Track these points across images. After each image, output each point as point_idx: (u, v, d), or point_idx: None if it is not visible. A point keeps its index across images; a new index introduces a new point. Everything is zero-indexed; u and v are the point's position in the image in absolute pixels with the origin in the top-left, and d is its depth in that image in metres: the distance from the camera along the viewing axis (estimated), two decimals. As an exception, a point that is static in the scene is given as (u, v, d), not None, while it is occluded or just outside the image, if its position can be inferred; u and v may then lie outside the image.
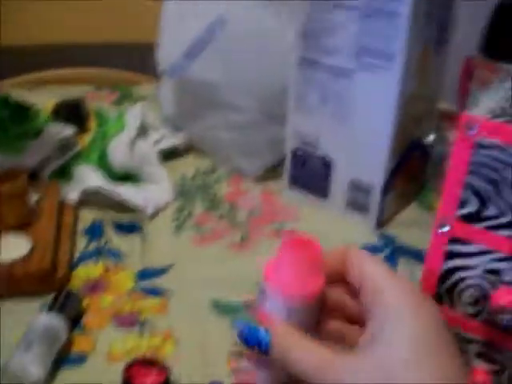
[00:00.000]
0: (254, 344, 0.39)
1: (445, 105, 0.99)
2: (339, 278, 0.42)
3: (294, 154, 0.84)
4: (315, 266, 0.41)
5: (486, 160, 0.47)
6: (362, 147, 0.76)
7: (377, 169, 0.77)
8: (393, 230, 0.80)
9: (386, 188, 0.78)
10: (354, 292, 0.41)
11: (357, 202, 0.80)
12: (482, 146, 0.47)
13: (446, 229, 0.50)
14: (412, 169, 0.84)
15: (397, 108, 0.73)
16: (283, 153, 0.85)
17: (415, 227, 0.80)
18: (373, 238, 0.78)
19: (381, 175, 0.77)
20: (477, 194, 0.49)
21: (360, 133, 0.76)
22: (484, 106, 0.49)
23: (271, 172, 0.90)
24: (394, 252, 0.76)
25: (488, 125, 0.46)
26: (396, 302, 0.37)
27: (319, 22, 0.74)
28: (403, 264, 0.74)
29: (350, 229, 0.79)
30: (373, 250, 0.76)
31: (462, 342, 0.52)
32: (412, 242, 0.77)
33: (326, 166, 0.81)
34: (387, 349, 0.35)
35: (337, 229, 0.79)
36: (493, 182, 0.48)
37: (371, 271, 0.40)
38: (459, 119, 0.47)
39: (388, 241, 0.78)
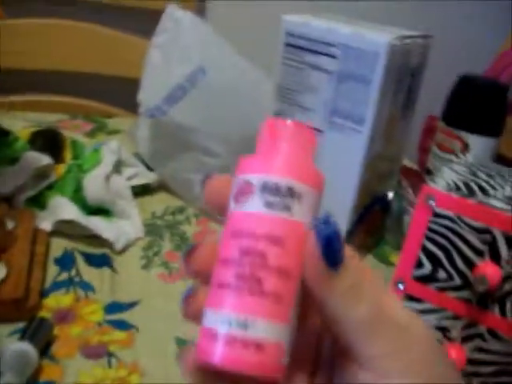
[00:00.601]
0: (334, 250, 0.30)
1: (405, 161, 1.05)
2: None
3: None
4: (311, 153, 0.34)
5: (439, 228, 0.53)
6: (327, 199, 0.81)
7: (339, 221, 0.81)
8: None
9: (346, 239, 0.83)
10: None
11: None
12: (437, 215, 0.52)
13: (403, 286, 0.55)
14: (372, 222, 0.89)
15: (363, 166, 0.78)
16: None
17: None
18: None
19: (343, 227, 0.82)
20: (430, 257, 0.54)
21: (326, 187, 0.80)
22: (445, 178, 0.55)
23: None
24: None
25: (444, 197, 0.52)
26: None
27: (296, 79, 0.80)
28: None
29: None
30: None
31: None
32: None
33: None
34: None
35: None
36: (444, 249, 0.53)
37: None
38: (421, 189, 0.52)
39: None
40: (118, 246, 0.83)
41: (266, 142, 0.33)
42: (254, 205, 0.31)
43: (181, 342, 0.69)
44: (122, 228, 0.87)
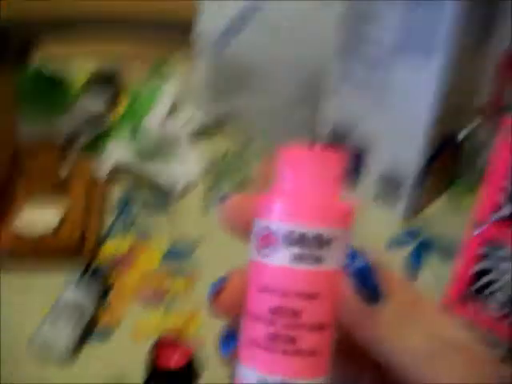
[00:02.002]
0: (370, 282, 0.28)
1: (481, 97, 0.98)
2: None
3: (327, 140, 0.83)
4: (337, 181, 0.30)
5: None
6: (398, 137, 0.76)
7: (411, 161, 0.76)
8: (421, 224, 0.80)
9: (418, 181, 0.77)
10: None
11: (386, 193, 0.80)
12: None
13: (481, 231, 0.50)
14: (445, 163, 0.83)
15: (436, 100, 0.72)
16: (315, 138, 0.85)
17: (443, 223, 0.80)
18: (399, 231, 0.78)
19: (414, 167, 0.76)
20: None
21: (397, 123, 0.75)
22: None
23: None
24: (420, 247, 0.75)
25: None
26: None
27: (362, 8, 0.74)
28: (428, 260, 0.74)
29: (377, 220, 0.79)
30: (399, 243, 0.76)
31: (488, 346, 0.52)
32: (439, 237, 0.77)
33: (359, 154, 0.80)
34: None
35: (363, 219, 0.78)
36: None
37: None
38: (503, 122, 0.46)
39: (415, 235, 0.77)
40: (176, 190, 0.80)
41: (286, 177, 0.29)
42: (280, 258, 0.27)
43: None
44: (180, 172, 0.84)
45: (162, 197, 0.80)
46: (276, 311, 0.28)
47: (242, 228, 0.30)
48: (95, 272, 0.63)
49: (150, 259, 0.69)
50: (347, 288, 0.28)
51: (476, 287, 0.51)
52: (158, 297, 0.64)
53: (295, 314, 0.27)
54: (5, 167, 0.75)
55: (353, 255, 0.28)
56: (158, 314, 0.62)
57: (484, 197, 0.50)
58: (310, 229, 0.27)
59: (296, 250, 0.27)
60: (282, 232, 0.27)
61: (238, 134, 0.94)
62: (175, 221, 0.76)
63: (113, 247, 0.70)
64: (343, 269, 0.28)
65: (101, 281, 0.63)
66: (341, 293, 0.28)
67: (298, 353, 0.28)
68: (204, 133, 0.94)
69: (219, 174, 0.87)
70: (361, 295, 0.27)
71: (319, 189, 0.29)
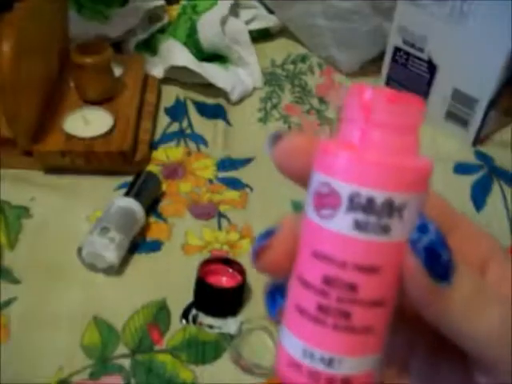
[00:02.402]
0: (440, 260, 0.24)
1: None
2: None
3: (396, 52, 0.77)
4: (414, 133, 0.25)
5: None
6: (474, 55, 0.69)
7: (486, 81, 0.69)
8: (491, 149, 0.73)
9: (492, 102, 0.71)
10: None
11: (457, 113, 0.73)
12: None
13: None
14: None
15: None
16: (384, 49, 0.78)
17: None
18: (469, 156, 0.72)
19: (489, 88, 0.69)
20: None
21: (475, 38, 0.68)
22: None
23: (368, 68, 0.83)
24: (490, 173, 0.70)
25: None
26: None
27: None
28: (497, 187, 0.68)
29: (446, 142, 0.73)
30: (468, 168, 0.70)
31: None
32: (510, 164, 0.71)
33: (430, 70, 0.74)
34: None
35: (431, 141, 0.73)
36: None
37: None
38: None
39: (485, 160, 0.72)
40: (234, 96, 0.76)
41: (357, 125, 0.24)
42: (341, 223, 0.23)
43: (297, 206, 0.62)
44: (239, 76, 0.79)
45: (219, 102, 0.76)
46: (330, 282, 0.24)
47: (298, 177, 0.26)
48: (147, 180, 0.60)
49: (203, 169, 0.66)
50: (415, 264, 0.24)
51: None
52: (210, 210, 0.61)
53: (352, 287, 0.24)
54: (56, 65, 0.71)
55: (420, 228, 0.24)
56: (210, 229, 0.59)
57: None
58: (380, 193, 0.23)
59: (360, 216, 0.23)
60: (345, 193, 0.23)
61: (301, 39, 0.88)
62: (231, 129, 0.72)
63: (166, 153, 0.67)
64: (412, 242, 0.24)
65: (152, 189, 0.60)
66: (407, 268, 0.24)
67: (351, 329, 0.24)
68: (265, 35, 0.89)
69: (279, 80, 0.82)
70: (431, 273, 0.24)
71: (394, 143, 0.24)
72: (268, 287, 0.29)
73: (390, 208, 0.23)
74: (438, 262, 0.23)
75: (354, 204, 0.23)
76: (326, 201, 0.24)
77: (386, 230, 0.23)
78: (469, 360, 0.27)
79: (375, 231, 0.23)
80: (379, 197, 0.23)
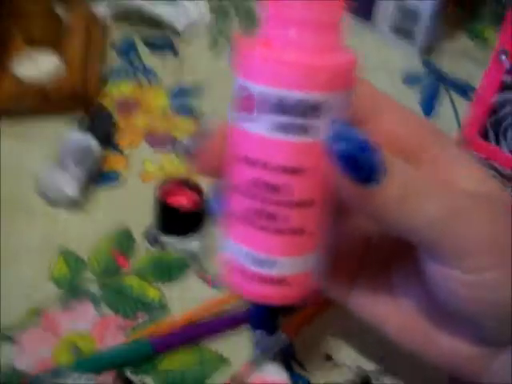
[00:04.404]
0: (363, 165, 0.23)
1: None
2: None
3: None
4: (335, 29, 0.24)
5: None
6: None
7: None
8: (438, 58, 0.75)
9: (435, 13, 0.72)
10: None
11: (402, 26, 0.74)
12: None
13: (506, 57, 0.47)
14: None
15: None
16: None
17: (463, 59, 0.75)
18: (416, 65, 0.74)
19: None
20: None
21: None
22: None
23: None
24: (436, 81, 0.72)
25: None
26: None
27: None
28: (444, 94, 0.70)
29: (393, 54, 0.75)
30: (415, 77, 0.72)
31: (503, 180, 0.50)
32: (457, 73, 0.73)
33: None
34: None
35: (379, 53, 0.75)
36: None
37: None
38: None
39: (432, 69, 0.73)
40: (181, 27, 0.76)
41: (270, 22, 0.24)
42: (260, 125, 0.23)
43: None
44: (185, 8, 0.79)
45: (167, 35, 0.76)
46: (255, 185, 0.24)
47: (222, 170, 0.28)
48: (99, 115, 0.61)
49: (156, 99, 0.66)
50: (335, 170, 0.23)
51: (494, 119, 0.49)
52: (165, 138, 0.62)
53: (275, 189, 0.24)
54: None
55: (338, 135, 0.23)
56: (167, 156, 0.60)
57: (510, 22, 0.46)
58: (291, 92, 0.23)
59: (277, 117, 0.23)
60: (261, 96, 0.23)
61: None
62: (181, 60, 0.72)
63: (117, 88, 0.68)
64: (327, 150, 0.23)
65: (106, 123, 0.61)
66: (328, 174, 0.24)
67: (279, 231, 0.25)
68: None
69: (227, 8, 0.81)
70: (352, 178, 0.23)
71: (312, 41, 0.23)
72: (212, 187, 0.30)
73: (304, 108, 0.23)
74: (357, 167, 0.23)
75: (269, 106, 0.23)
76: (245, 104, 0.24)
77: (303, 130, 0.23)
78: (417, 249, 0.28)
79: (293, 132, 0.23)
80: (290, 97, 0.23)
